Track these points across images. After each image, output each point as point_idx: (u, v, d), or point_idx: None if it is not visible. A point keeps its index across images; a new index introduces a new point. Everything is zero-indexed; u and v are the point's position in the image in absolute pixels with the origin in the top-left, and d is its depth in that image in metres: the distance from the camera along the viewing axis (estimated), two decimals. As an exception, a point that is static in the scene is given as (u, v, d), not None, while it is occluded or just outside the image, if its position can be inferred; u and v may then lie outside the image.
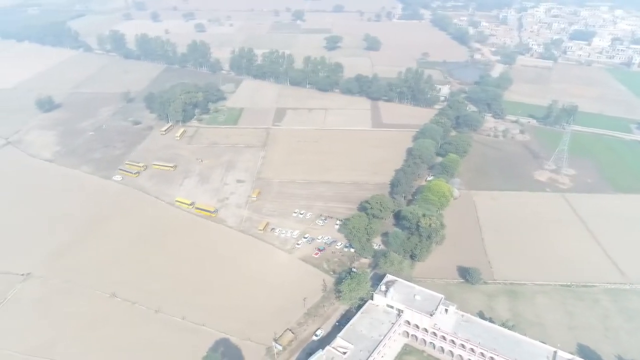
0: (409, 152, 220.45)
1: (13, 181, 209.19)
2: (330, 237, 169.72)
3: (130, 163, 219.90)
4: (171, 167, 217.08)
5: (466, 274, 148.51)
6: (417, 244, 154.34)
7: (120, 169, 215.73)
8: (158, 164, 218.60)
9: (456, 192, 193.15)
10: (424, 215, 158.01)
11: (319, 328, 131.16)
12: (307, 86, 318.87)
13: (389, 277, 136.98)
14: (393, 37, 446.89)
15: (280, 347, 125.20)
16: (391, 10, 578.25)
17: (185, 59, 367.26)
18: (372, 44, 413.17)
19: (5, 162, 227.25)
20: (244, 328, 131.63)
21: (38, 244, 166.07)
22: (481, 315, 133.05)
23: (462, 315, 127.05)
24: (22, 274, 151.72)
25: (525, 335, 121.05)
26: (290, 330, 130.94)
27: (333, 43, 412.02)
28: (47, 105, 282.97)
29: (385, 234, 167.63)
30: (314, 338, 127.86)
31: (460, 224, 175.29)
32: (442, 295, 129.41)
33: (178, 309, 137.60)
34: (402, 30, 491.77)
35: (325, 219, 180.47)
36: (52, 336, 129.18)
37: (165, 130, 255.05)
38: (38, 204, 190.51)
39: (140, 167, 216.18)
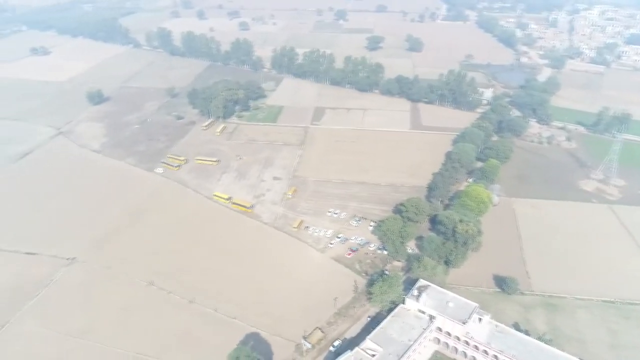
0: (448, 155, 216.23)
1: (63, 170, 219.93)
2: (363, 238, 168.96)
3: (172, 156, 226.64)
4: (214, 161, 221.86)
5: (502, 284, 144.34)
6: (452, 250, 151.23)
7: (162, 162, 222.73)
8: (201, 158, 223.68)
9: (495, 199, 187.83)
10: (460, 221, 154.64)
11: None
12: (347, 86, 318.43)
13: (421, 281, 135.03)
14: (436, 39, 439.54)
15: (309, 345, 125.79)
16: (435, 11, 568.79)
17: (228, 57, 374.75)
18: (414, 45, 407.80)
19: (56, 152, 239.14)
20: (274, 323, 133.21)
21: (83, 230, 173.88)
22: (516, 327, 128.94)
23: (497, 326, 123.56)
24: (68, 259, 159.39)
25: (563, 351, 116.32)
26: (319, 329, 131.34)
27: (374, 43, 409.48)
28: (97, 98, 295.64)
29: (419, 238, 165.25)
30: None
31: (499, 232, 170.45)
32: (476, 304, 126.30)
33: (211, 301, 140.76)
34: (446, 32, 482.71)
35: (359, 220, 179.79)
36: (91, 319, 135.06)
37: (206, 126, 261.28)
38: (85, 193, 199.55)
39: (181, 160, 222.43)
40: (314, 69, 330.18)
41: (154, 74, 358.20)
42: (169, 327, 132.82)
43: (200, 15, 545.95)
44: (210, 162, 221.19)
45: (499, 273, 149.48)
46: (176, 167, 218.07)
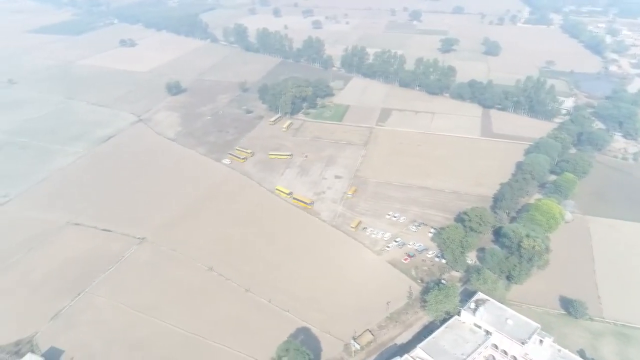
0: (519, 166, 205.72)
1: (140, 155, 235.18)
2: (422, 245, 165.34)
3: (239, 149, 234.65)
4: (288, 155, 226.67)
5: (569, 306, 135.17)
6: (515, 265, 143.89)
7: (229, 154, 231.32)
8: (274, 153, 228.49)
9: (568, 216, 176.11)
10: (527, 236, 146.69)
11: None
12: (417, 88, 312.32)
13: (480, 295, 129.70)
14: (515, 42, 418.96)
15: (358, 347, 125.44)
16: (516, 14, 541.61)
17: (299, 54, 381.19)
18: (491, 49, 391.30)
19: (135, 137, 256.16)
20: (324, 320, 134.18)
21: (154, 213, 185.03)
22: (582, 354, 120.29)
23: (559, 350, 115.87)
24: (139, 238, 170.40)
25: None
26: (370, 331, 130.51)
27: (448, 45, 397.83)
28: (174, 89, 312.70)
29: (481, 250, 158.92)
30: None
31: (570, 251, 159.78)
32: (539, 325, 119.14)
33: (266, 292, 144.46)
34: (527, 36, 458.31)
35: (419, 225, 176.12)
36: (156, 297, 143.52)
37: (273, 121, 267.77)
38: (158, 177, 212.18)
39: (247, 153, 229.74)
40: (384, 69, 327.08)
41: (228, 68, 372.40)
42: (225, 312, 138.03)
43: (276, 12, 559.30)
44: (284, 157, 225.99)
45: (566, 294, 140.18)
46: (242, 159, 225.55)
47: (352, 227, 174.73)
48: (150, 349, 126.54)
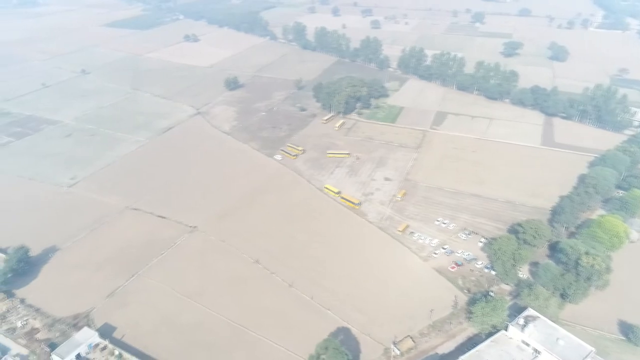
0: (582, 179, 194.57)
1: (196, 146, 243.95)
2: (471, 254, 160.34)
3: (291, 146, 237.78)
4: (346, 154, 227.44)
5: (629, 332, 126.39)
6: (571, 283, 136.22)
7: (281, 150, 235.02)
8: (332, 152, 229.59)
9: (634, 235, 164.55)
10: (587, 253, 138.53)
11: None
12: (475, 92, 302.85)
13: (530, 311, 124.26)
14: (585, 48, 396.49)
15: (398, 352, 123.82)
16: (589, 18, 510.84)
17: (356, 54, 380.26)
18: (558, 54, 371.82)
19: (192, 129, 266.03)
20: (365, 322, 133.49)
21: (206, 203, 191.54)
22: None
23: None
24: (191, 226, 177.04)
25: None
26: (411, 337, 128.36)
27: (511, 49, 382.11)
28: (233, 84, 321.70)
29: (534, 264, 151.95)
30: None
31: (634, 272, 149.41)
32: (593, 348, 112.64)
33: (309, 288, 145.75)
34: (598, 41, 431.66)
35: (469, 234, 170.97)
36: (203, 285, 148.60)
37: (326, 120, 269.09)
38: (212, 169, 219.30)
39: (299, 150, 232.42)
40: (442, 72, 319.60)
41: (285, 65, 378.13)
42: (267, 305, 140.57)
43: (335, 12, 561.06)
44: (343, 155, 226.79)
45: (625, 319, 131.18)
46: (293, 156, 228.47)
47: (399, 231, 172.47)
48: (195, 334, 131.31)
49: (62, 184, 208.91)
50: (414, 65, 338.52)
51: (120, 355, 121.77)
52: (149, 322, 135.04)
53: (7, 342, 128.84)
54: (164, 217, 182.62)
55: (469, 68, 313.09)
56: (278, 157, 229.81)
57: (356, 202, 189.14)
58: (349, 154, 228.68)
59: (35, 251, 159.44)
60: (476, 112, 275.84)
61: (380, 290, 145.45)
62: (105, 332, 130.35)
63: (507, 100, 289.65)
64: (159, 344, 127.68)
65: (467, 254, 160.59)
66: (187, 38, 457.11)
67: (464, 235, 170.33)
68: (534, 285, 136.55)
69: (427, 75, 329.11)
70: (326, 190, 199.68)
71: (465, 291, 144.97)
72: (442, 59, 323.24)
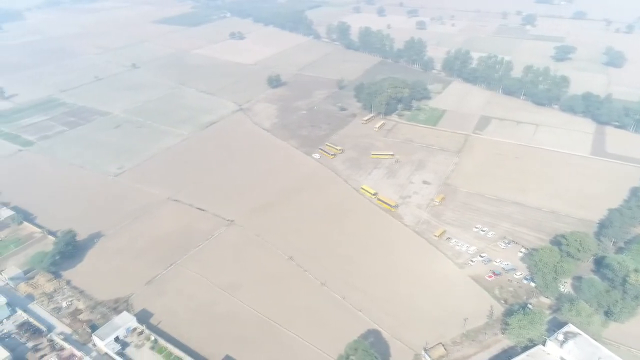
0: (634, 192, 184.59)
1: (237, 142, 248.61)
2: (510, 264, 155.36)
3: (330, 145, 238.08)
4: (390, 155, 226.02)
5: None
6: (617, 301, 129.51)
7: (320, 149, 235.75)
8: (376, 153, 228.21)
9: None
10: (636, 270, 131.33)
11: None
12: (522, 97, 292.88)
13: (570, 327, 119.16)
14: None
15: (429, 359, 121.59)
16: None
17: (400, 55, 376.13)
18: (614, 59, 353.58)
19: (234, 125, 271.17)
20: (396, 326, 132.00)
21: (244, 197, 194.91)
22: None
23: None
24: (228, 220, 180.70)
25: None
26: (443, 345, 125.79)
27: (563, 53, 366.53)
28: (275, 82, 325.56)
29: (577, 278, 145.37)
30: None
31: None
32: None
33: (341, 288, 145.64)
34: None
35: (508, 243, 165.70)
36: (238, 278, 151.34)
37: (366, 120, 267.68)
38: (251, 165, 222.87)
39: (337, 150, 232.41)
40: (488, 75, 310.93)
41: (327, 65, 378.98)
42: (299, 303, 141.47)
43: (380, 12, 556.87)
44: (387, 156, 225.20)
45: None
46: (332, 155, 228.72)
47: (435, 236, 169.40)
48: (228, 325, 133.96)
49: (110, 172, 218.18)
50: (458, 67, 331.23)
51: (155, 341, 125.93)
52: (184, 311, 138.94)
53: (52, 320, 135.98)
54: (203, 210, 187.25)
55: (517, 72, 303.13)
56: (316, 155, 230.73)
57: (393, 204, 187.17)
58: (393, 155, 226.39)
59: (81, 235, 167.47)
60: (522, 118, 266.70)
61: (413, 295, 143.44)
62: (143, 317, 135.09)
63: (556, 106, 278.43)
64: (193, 333, 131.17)
65: (505, 263, 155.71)
66: (232, 36, 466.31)
67: (503, 244, 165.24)
68: (576, 301, 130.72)
69: (472, 78, 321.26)
70: (363, 191, 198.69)
71: (502, 302, 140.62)
72: (488, 62, 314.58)
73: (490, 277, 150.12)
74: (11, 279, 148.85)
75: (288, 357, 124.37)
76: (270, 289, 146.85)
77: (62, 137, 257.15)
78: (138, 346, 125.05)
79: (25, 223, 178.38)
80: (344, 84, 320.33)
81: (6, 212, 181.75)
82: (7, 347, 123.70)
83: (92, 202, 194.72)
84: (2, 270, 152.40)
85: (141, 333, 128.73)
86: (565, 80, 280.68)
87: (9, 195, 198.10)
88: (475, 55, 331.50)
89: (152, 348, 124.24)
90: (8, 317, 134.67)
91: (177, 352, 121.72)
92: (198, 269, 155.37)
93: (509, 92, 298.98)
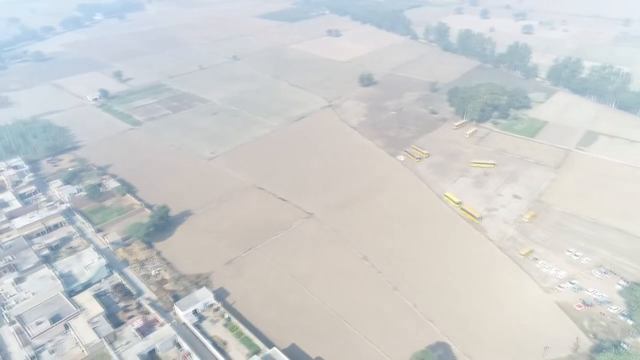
0: None
1: (323, 137, 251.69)
2: (605, 296, 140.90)
3: (416, 148, 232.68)
4: (492, 164, 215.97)
5: None
6: None
7: (405, 151, 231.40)
8: (477, 162, 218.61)
9: None
10: None
11: None
12: (639, 114, 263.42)
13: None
14: None
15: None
16: None
17: (501, 59, 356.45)
18: None
19: (321, 121, 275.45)
20: (468, 342, 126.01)
21: (326, 192, 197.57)
22: None
23: None
24: (308, 212, 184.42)
25: None
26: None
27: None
28: (366, 80, 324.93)
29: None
30: None
31: None
32: None
33: (413, 294, 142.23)
34: None
35: (605, 272, 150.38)
36: (312, 270, 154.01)
37: (457, 126, 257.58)
38: (335, 161, 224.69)
39: (424, 153, 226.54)
40: (600, 87, 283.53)
41: (421, 66, 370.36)
42: (370, 304, 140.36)
43: (484, 14, 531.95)
44: (488, 166, 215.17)
45: None
46: (417, 158, 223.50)
47: (521, 254, 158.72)
48: (297, 315, 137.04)
49: (204, 156, 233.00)
50: (566, 76, 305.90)
51: (229, 319, 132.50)
52: (258, 295, 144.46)
53: (142, 285, 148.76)
54: (285, 200, 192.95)
55: (636, 85, 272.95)
56: (401, 157, 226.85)
57: (477, 215, 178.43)
58: (494, 164, 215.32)
59: (174, 212, 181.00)
60: (637, 137, 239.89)
61: (489, 313, 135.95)
62: (220, 295, 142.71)
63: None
64: (264, 317, 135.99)
65: (599, 294, 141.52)
66: (329, 32, 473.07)
67: (598, 273, 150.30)
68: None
69: (580, 89, 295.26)
70: (446, 198, 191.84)
71: (591, 335, 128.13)
72: (602, 73, 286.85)
73: (579, 306, 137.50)
74: (112, 243, 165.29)
75: (352, 356, 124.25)
76: (342, 286, 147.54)
77: (166, 120, 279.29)
78: (213, 321, 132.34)
79: (128, 195, 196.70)
80: (438, 86, 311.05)
81: (113, 184, 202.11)
82: (103, 303, 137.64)
83: (186, 182, 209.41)
84: (106, 235, 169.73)
85: (217, 309, 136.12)
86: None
87: (117, 168, 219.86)
88: (587, 64, 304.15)
89: (225, 325, 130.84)
90: (106, 277, 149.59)
91: (247, 332, 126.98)
92: (275, 256, 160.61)
93: (624, 107, 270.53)
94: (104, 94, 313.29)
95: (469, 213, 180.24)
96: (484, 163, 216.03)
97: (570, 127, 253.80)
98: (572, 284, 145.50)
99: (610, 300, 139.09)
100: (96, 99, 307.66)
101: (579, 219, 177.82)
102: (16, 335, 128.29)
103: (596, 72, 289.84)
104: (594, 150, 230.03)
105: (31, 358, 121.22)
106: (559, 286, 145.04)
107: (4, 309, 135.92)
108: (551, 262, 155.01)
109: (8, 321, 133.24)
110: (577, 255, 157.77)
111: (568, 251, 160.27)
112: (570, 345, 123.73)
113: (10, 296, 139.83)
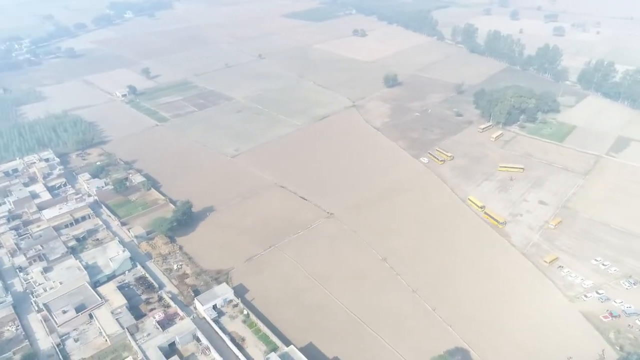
0: None
1: (346, 137, 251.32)
2: (633, 307, 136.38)
3: (440, 150, 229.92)
4: (521, 168, 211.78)
5: None
6: None
7: (429, 153, 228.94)
8: (505, 166, 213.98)
9: None
10: None
11: None
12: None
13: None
14: None
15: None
16: None
17: (529, 62, 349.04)
18: None
19: (345, 121, 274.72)
20: (488, 349, 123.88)
21: (347, 192, 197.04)
22: None
23: None
24: (328, 212, 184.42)
25: None
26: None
27: None
28: (391, 81, 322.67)
29: None
30: None
31: None
32: None
33: (432, 298, 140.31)
34: None
35: (634, 283, 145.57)
36: (331, 270, 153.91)
37: (483, 129, 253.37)
38: (357, 161, 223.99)
39: (447, 156, 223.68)
40: (634, 91, 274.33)
41: (447, 67, 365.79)
42: (388, 305, 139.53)
43: (513, 15, 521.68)
44: (517, 170, 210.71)
45: None
46: (441, 161, 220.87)
47: (545, 261, 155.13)
48: (315, 314, 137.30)
49: (227, 153, 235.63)
50: (598, 80, 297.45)
51: (247, 315, 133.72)
52: (277, 293, 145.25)
53: (164, 279, 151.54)
54: (306, 199, 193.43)
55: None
56: (424, 159, 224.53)
57: (501, 220, 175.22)
58: (523, 169, 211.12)
59: (197, 207, 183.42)
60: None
61: (510, 320, 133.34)
62: (239, 291, 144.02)
63: None
64: (282, 315, 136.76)
65: (628, 305, 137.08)
66: (355, 32, 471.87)
67: (627, 284, 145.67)
68: None
69: (613, 93, 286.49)
70: (469, 202, 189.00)
71: (617, 348, 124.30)
72: (636, 77, 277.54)
73: (606, 317, 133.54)
74: (136, 237, 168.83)
75: (369, 358, 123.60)
76: (361, 287, 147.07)
77: (192, 117, 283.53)
78: (232, 317, 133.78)
79: (153, 190, 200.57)
80: (463, 88, 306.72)
81: (139, 178, 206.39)
82: (125, 295, 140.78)
83: (209, 178, 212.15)
84: (130, 228, 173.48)
85: (236, 305, 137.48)
86: None
87: (143, 163, 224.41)
88: (620, 68, 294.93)
89: (244, 322, 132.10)
90: (130, 270, 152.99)
91: (265, 329, 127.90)
92: (294, 254, 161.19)
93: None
94: (132, 90, 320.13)
95: (492, 217, 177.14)
96: (512, 167, 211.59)
97: (600, 133, 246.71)
98: (599, 293, 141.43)
99: (638, 312, 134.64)
100: (125, 95, 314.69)
101: (607, 227, 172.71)
102: (43, 323, 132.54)
103: (630, 76, 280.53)
104: (625, 156, 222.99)
105: (57, 345, 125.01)
106: (585, 296, 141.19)
107: (33, 297, 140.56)
108: (577, 271, 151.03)
109: (36, 309, 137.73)
110: (605, 265, 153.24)
111: (595, 260, 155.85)
112: (595, 357, 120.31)
113: (39, 284, 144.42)
